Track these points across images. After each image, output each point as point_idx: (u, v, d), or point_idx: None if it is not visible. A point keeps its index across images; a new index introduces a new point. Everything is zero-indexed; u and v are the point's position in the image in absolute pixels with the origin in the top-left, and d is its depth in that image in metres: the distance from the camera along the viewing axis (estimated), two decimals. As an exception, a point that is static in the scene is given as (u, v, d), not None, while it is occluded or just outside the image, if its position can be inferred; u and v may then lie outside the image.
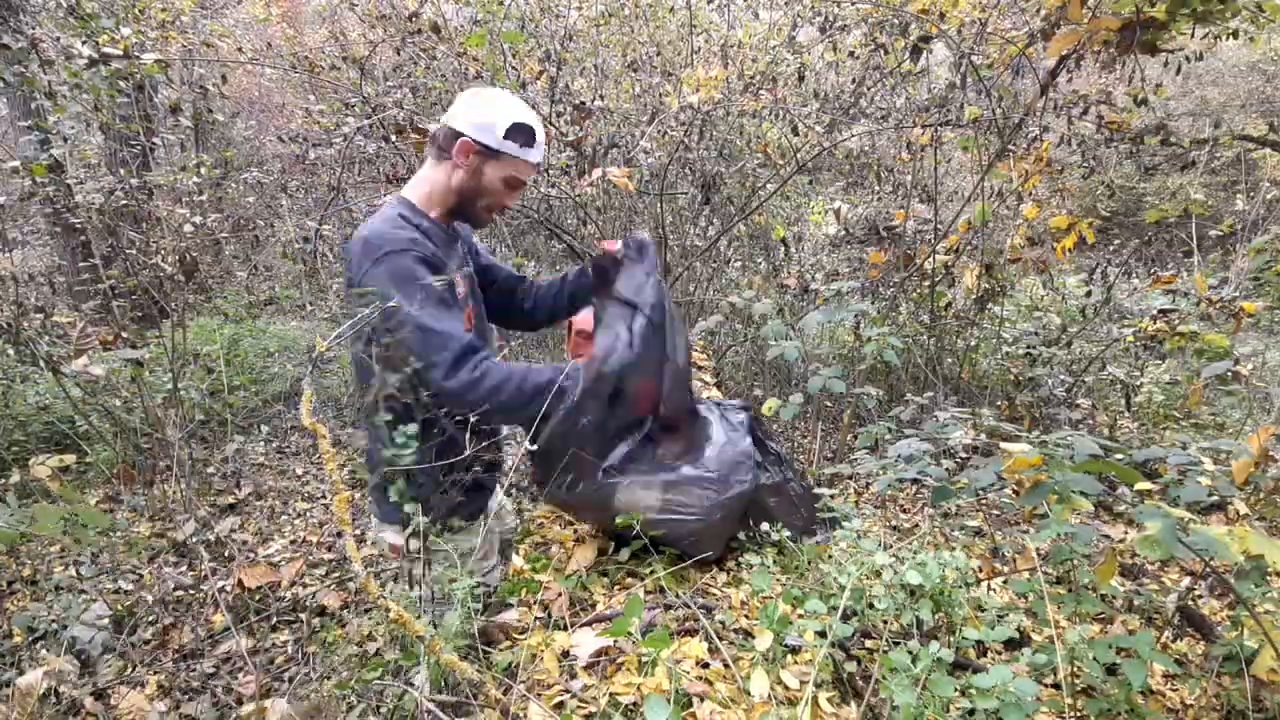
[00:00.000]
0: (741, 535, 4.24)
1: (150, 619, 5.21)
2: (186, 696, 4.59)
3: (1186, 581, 4.98)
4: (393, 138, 6.84)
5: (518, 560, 3.90)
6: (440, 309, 3.08)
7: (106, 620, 4.95)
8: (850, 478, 6.31)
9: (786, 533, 4.13)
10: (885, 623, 3.30)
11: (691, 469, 3.92)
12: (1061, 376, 7.52)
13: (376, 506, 3.49)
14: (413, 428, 2.73)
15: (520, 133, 3.29)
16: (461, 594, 3.02)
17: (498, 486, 3.86)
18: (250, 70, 16.04)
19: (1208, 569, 2.99)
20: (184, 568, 6.06)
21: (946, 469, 3.76)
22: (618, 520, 4.00)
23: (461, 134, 3.28)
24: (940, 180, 7.81)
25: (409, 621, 2.72)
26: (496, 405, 3.06)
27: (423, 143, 6.51)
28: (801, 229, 10.68)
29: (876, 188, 10.18)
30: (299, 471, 8.04)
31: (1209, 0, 5.21)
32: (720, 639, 3.10)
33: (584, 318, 4.16)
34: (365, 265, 3.05)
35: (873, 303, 7.43)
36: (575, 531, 4.38)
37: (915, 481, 3.80)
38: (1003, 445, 3.14)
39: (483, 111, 3.30)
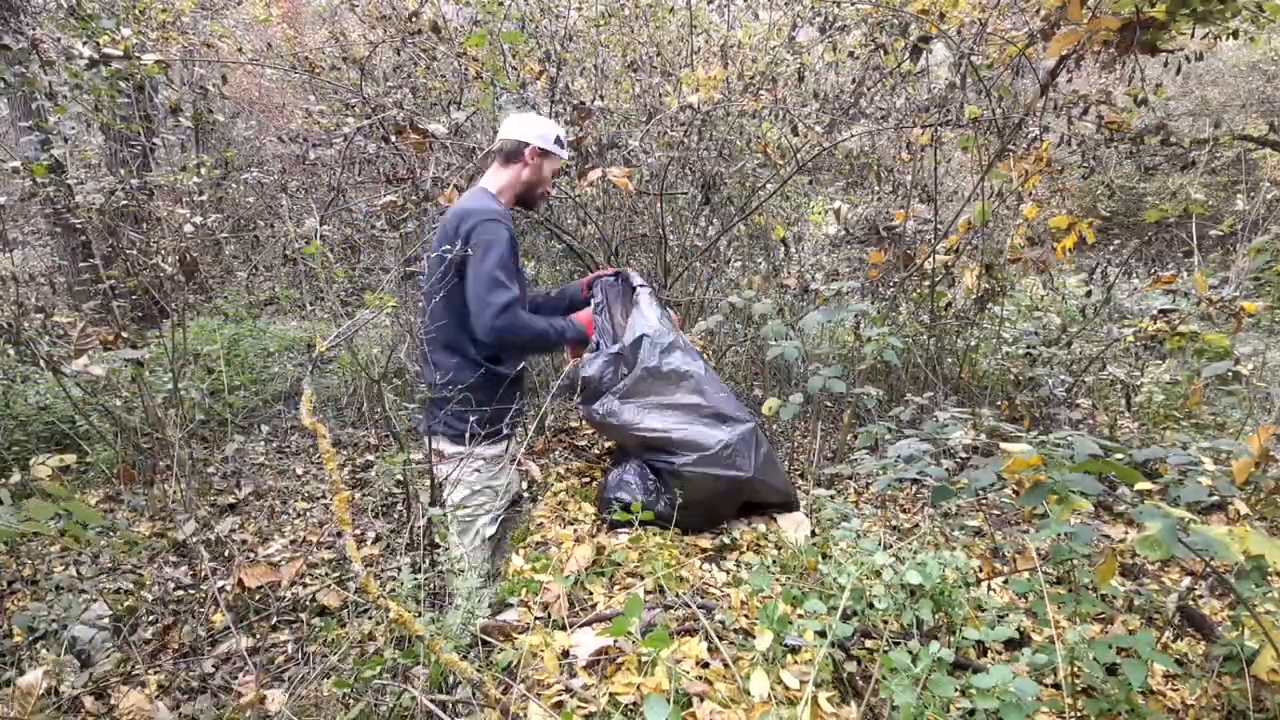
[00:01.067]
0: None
1: (150, 619, 5.22)
2: (186, 696, 4.60)
3: (1187, 581, 4.98)
4: (393, 138, 6.83)
5: (517, 560, 3.90)
6: (507, 270, 4.42)
7: (106, 620, 4.96)
8: (850, 478, 6.31)
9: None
10: (885, 623, 3.30)
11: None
12: (1062, 376, 7.51)
13: (436, 423, 4.71)
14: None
15: (561, 141, 4.88)
16: (466, 593, 3.05)
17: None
18: (250, 71, 16.08)
19: (1208, 569, 2.99)
20: (184, 568, 6.07)
21: (946, 469, 3.76)
22: (615, 515, 4.17)
23: (528, 143, 4.77)
24: (940, 180, 7.81)
25: (409, 621, 2.72)
26: (519, 342, 4.64)
27: (423, 143, 6.53)
28: (801, 229, 10.68)
29: (876, 188, 10.18)
30: (299, 471, 8.04)
31: (1209, 0, 5.21)
32: (720, 639, 3.10)
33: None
34: (469, 224, 4.43)
35: (873, 303, 7.42)
36: (575, 531, 4.38)
37: (915, 481, 3.81)
38: (1002, 446, 3.14)
39: (540, 126, 4.80)
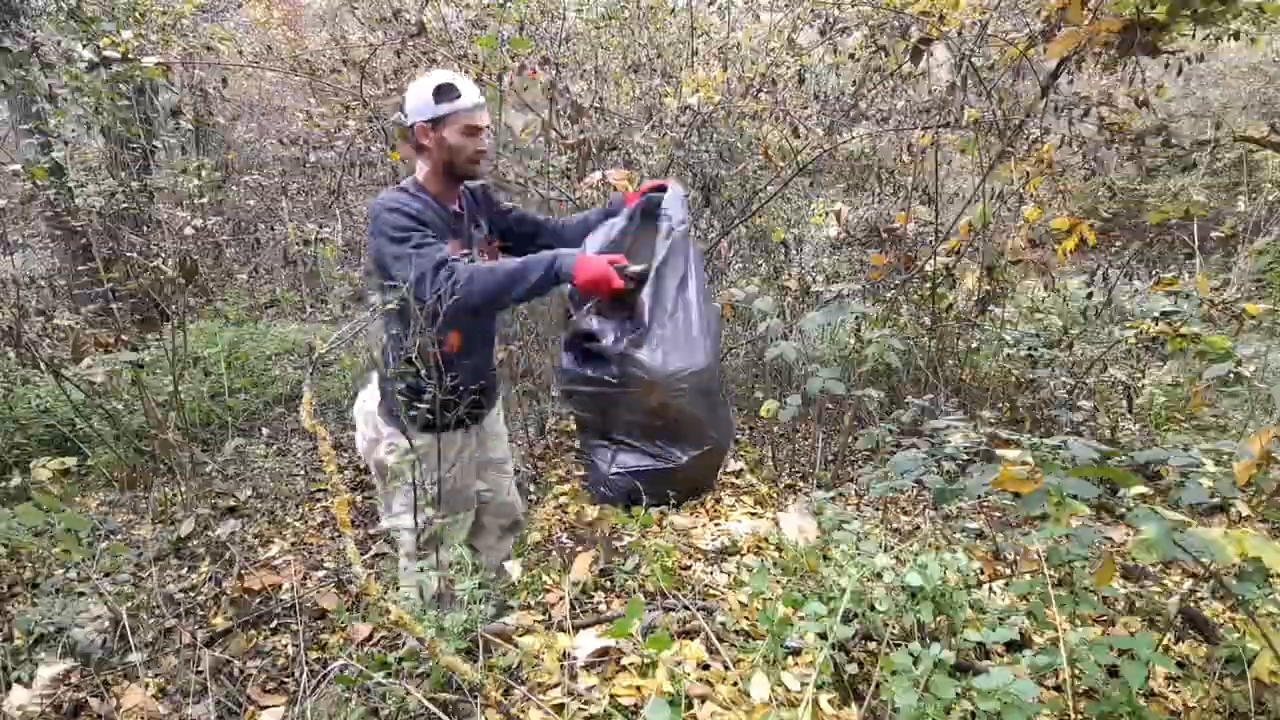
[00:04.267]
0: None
1: (151, 620, 5.21)
2: (188, 700, 4.60)
3: (1189, 584, 4.99)
4: (395, 142, 6.84)
5: (518, 566, 3.90)
6: (416, 241, 3.87)
7: (106, 623, 4.96)
8: (852, 480, 6.31)
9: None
10: (886, 625, 3.30)
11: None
12: (1063, 378, 7.52)
13: (385, 410, 4.42)
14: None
15: (444, 92, 4.03)
16: (466, 595, 3.05)
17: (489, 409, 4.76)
18: (251, 73, 16.07)
19: (1207, 572, 3.00)
20: (184, 570, 6.07)
21: (948, 471, 3.76)
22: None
23: (412, 125, 4.12)
24: (941, 182, 7.82)
25: (409, 623, 2.72)
26: (477, 294, 3.80)
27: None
28: (802, 231, 10.68)
29: (877, 190, 10.18)
30: (300, 474, 8.04)
31: (1210, 1, 5.21)
32: (721, 641, 3.11)
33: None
34: (370, 228, 3.96)
35: (874, 305, 7.43)
36: (575, 533, 4.39)
37: (917, 482, 3.82)
38: (998, 452, 3.15)
39: (414, 98, 4.10)
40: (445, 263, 3.79)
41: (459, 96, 4.04)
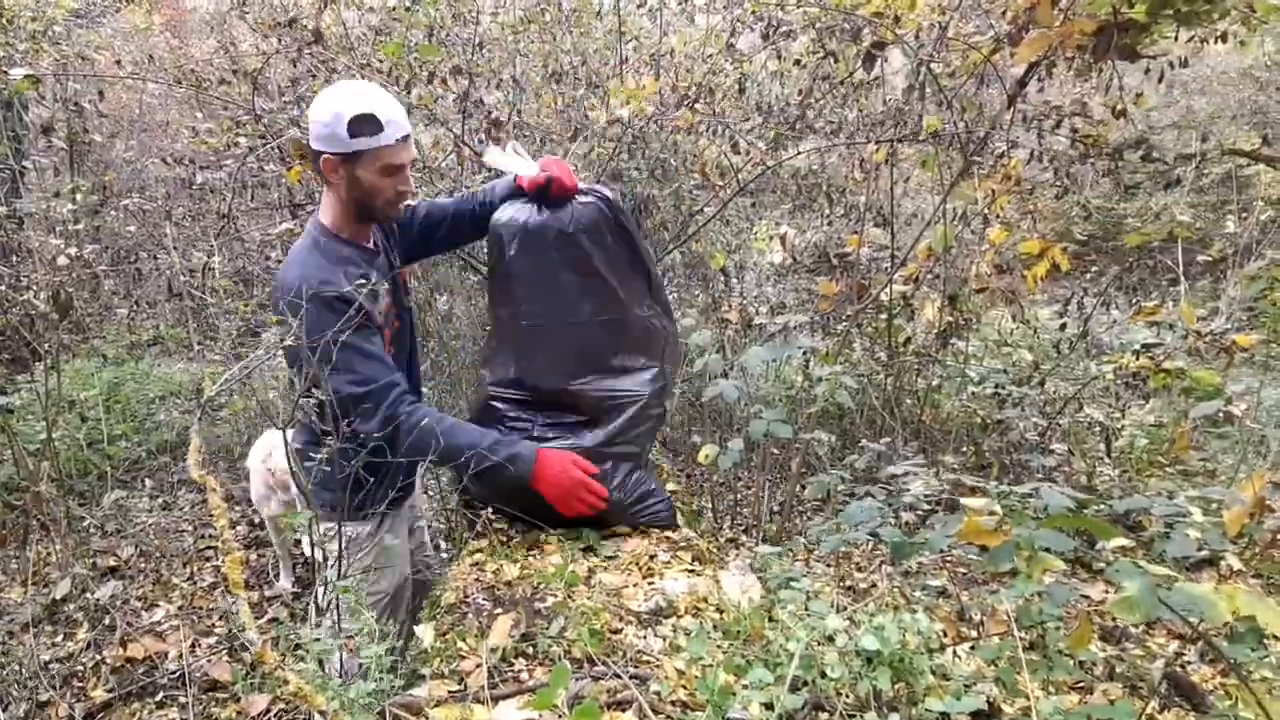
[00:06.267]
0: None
1: (23, 693, 5.17)
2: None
3: (1175, 646, 5.02)
4: (293, 160, 6.81)
5: (430, 631, 3.88)
6: (356, 356, 3.51)
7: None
8: (800, 533, 6.32)
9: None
10: (839, 693, 3.30)
11: None
12: (1034, 419, 7.53)
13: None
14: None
15: (363, 125, 3.50)
16: (372, 666, 3.04)
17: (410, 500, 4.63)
18: (131, 85, 15.99)
19: (1195, 632, 3.02)
20: (60, 636, 6.02)
21: (907, 523, 3.78)
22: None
23: (320, 152, 3.61)
24: (897, 202, 7.87)
25: (309, 695, 2.71)
26: (414, 450, 3.63)
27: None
28: (743, 257, 10.70)
29: (827, 211, 10.21)
30: (188, 529, 8.00)
31: (1194, 0, 5.26)
32: (656, 712, 3.10)
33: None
34: (281, 307, 3.34)
35: (824, 338, 7.45)
36: (494, 593, 4.38)
37: (872, 535, 3.83)
38: (963, 501, 3.17)
39: (323, 120, 3.55)
40: (399, 402, 3.63)
41: (380, 131, 3.54)
